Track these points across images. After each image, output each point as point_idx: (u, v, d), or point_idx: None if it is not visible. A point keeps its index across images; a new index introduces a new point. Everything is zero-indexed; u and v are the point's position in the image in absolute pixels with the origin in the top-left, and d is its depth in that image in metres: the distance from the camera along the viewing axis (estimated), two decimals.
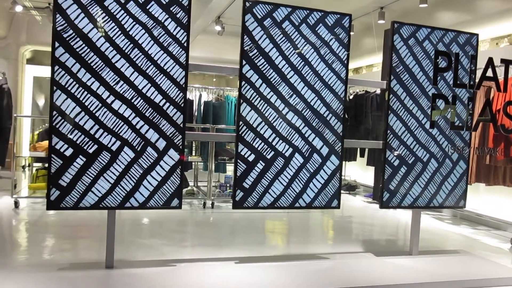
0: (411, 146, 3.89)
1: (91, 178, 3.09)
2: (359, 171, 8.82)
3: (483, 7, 6.31)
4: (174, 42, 3.23)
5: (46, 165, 6.75)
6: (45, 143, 5.86)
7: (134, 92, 3.15)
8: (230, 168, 7.88)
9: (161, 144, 3.23)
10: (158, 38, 3.19)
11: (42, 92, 11.33)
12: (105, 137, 3.10)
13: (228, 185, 6.66)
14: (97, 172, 3.10)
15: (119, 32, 3.11)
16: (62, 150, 3.03)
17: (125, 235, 4.46)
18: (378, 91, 7.17)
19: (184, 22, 3.25)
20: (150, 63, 3.18)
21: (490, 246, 4.82)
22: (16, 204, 5.52)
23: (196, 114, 7.28)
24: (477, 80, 4.05)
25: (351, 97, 7.69)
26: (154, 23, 3.18)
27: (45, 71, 10.94)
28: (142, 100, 3.17)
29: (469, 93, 4.02)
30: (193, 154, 7.24)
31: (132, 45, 3.13)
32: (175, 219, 5.35)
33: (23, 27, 9.35)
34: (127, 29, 3.13)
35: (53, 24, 2.98)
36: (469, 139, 4.09)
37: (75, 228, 4.75)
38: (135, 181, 3.18)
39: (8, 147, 6.38)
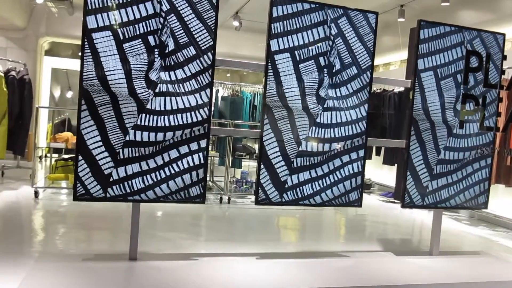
0: (435, 146, 3.86)
1: (121, 170, 3.12)
2: (374, 170, 8.78)
3: (506, 7, 6.23)
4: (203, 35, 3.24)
5: (65, 156, 6.85)
6: (66, 134, 5.92)
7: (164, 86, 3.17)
8: (245, 164, 7.91)
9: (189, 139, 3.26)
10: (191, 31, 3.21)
11: (59, 83, 11.43)
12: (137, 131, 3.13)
13: (244, 180, 6.67)
14: (128, 165, 3.13)
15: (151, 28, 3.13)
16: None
17: (142, 227, 4.48)
18: (396, 90, 7.12)
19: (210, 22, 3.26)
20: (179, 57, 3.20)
21: (509, 248, 4.78)
22: (36, 194, 5.59)
23: (212, 109, 7.29)
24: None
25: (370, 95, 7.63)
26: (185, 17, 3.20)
27: (62, 63, 11.04)
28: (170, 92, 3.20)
29: (498, 94, 3.99)
30: (210, 149, 7.25)
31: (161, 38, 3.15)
32: (191, 213, 5.37)
33: (42, 19, 9.42)
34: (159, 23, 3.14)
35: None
36: (493, 140, 4.06)
37: (93, 219, 4.81)
38: (163, 174, 3.21)
39: (28, 137, 6.47)
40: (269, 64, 3.40)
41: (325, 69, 3.53)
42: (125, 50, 3.07)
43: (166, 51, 3.16)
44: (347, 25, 3.58)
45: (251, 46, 9.84)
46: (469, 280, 3.35)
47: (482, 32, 3.96)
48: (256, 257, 3.63)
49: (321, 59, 3.51)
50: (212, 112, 7.13)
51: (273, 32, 3.39)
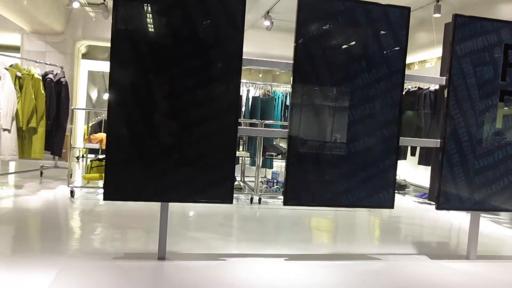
0: (472, 145, 3.71)
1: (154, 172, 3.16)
2: (409, 170, 8.55)
3: None
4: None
5: (100, 156, 7.02)
6: (100, 135, 6.06)
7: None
8: (276, 164, 7.86)
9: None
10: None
11: (96, 85, 11.76)
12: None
13: (275, 181, 6.63)
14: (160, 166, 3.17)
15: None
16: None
17: (173, 227, 4.54)
18: (432, 88, 6.91)
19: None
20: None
21: None
22: (72, 193, 5.74)
23: (244, 109, 7.30)
24: None
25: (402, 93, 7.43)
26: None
27: (98, 66, 11.35)
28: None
29: None
30: (241, 149, 7.26)
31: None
32: (222, 214, 5.38)
33: (79, 23, 9.71)
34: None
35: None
36: None
37: (125, 219, 4.89)
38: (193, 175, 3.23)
39: (65, 138, 6.66)
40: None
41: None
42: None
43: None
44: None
45: (283, 46, 9.78)
46: (507, 286, 3.19)
47: None
48: (285, 258, 3.59)
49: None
50: (243, 112, 7.20)
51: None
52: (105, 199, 3.14)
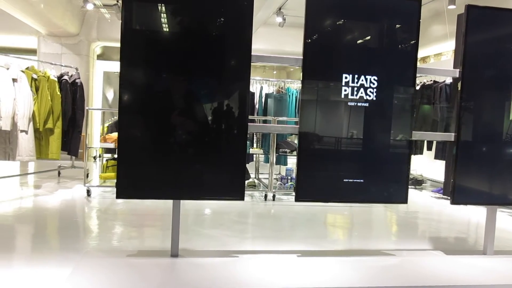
0: (486, 139, 3.64)
1: (162, 170, 3.18)
2: (425, 165, 8.45)
3: None
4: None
5: (116, 155, 7.10)
6: (115, 134, 6.13)
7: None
8: (291, 161, 7.85)
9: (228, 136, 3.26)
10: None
11: (111, 86, 11.89)
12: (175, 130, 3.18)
13: (289, 177, 6.62)
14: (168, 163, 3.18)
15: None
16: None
17: (188, 225, 4.57)
18: (447, 81, 6.81)
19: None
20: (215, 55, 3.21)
21: None
22: (88, 192, 5.83)
23: (257, 106, 7.30)
24: None
25: (418, 87, 7.35)
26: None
27: (114, 66, 11.48)
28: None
29: None
30: (255, 146, 7.27)
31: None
32: (236, 211, 5.40)
33: (93, 24, 9.83)
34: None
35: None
36: None
37: (141, 217, 4.94)
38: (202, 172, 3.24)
39: (81, 138, 6.76)
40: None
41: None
42: None
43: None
44: None
45: (295, 42, 9.73)
46: None
47: None
48: (297, 254, 3.58)
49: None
50: (256, 110, 7.20)
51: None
52: (118, 197, 3.17)
